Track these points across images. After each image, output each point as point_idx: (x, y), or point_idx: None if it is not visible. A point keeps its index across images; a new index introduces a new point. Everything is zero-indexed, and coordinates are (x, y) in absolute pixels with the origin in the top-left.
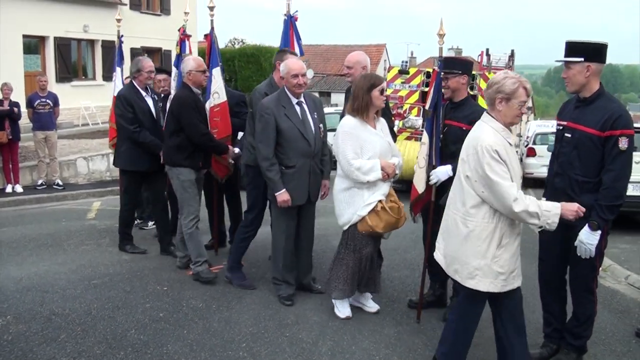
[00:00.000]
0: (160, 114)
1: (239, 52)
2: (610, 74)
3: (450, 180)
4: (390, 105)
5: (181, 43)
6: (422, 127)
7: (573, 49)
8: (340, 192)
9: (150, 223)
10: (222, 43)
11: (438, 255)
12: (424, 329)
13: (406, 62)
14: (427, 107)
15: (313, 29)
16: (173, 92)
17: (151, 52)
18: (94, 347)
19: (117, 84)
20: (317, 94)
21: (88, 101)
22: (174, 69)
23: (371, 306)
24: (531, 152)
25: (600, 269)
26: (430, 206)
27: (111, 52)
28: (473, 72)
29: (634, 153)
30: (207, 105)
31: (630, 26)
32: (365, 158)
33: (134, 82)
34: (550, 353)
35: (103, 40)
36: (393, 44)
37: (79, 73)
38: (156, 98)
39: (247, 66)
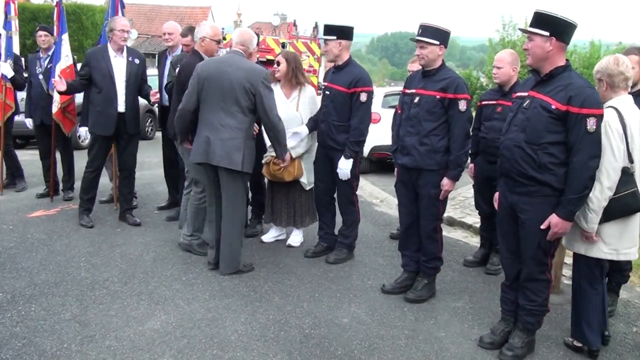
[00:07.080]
0: None
1: None
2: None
3: None
4: None
5: (6, 5)
6: None
7: (328, 30)
8: None
9: None
10: None
11: None
12: None
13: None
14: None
15: None
16: (3, 52)
17: None
18: None
19: None
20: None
21: None
22: (2, 31)
23: (290, 240)
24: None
25: (378, 200)
26: None
27: None
28: (283, 41)
29: None
30: (58, 68)
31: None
32: None
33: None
34: (321, 250)
35: None
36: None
37: None
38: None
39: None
